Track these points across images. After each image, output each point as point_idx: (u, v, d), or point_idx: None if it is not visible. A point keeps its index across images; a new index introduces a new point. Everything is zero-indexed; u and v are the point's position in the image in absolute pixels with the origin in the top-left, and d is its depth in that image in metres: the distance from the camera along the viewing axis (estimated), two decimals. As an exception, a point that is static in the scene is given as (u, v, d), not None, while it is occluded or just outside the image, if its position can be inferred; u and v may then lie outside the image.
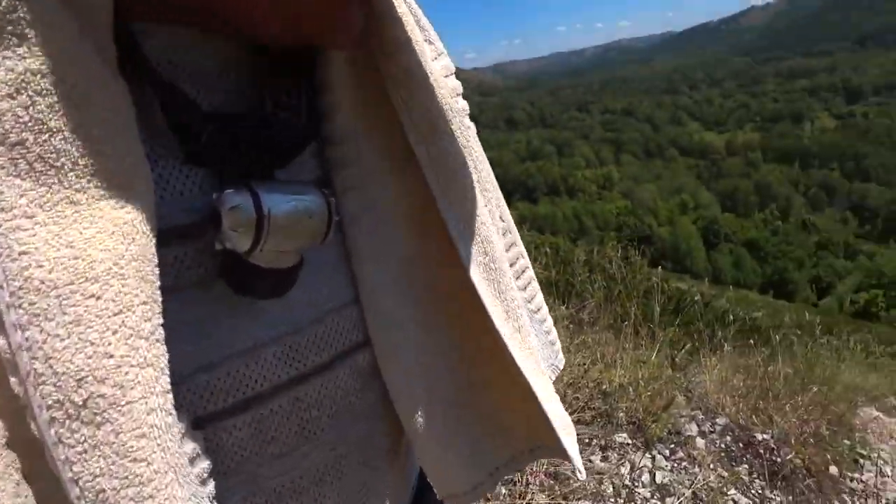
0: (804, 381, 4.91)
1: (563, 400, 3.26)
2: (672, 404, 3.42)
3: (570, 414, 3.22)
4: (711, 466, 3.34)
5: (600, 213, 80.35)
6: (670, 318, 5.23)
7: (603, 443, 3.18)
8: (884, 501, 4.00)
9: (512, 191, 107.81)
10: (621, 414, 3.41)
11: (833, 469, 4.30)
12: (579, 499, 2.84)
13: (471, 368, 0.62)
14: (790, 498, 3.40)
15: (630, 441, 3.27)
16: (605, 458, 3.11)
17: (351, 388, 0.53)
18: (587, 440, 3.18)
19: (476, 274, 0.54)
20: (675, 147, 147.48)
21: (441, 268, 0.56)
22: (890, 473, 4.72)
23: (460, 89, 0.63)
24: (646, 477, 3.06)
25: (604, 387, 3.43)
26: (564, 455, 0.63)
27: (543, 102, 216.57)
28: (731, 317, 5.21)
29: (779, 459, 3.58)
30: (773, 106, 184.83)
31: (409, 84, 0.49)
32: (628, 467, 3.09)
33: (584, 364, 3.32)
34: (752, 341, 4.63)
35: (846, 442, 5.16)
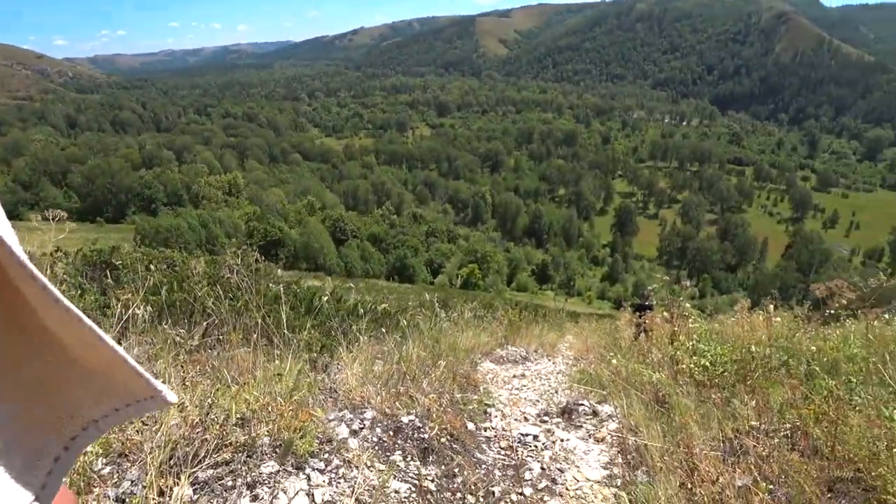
0: (434, 356, 5.30)
1: (190, 443, 2.67)
2: (309, 417, 3.14)
3: (204, 458, 2.66)
4: (368, 464, 3.21)
5: (229, 221, 77.09)
6: (304, 320, 5.02)
7: (249, 479, 2.72)
8: (511, 438, 4.55)
9: (126, 202, 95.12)
10: (265, 439, 3.00)
11: (470, 425, 4.71)
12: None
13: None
14: (443, 468, 3.51)
15: (280, 467, 2.88)
16: (255, 498, 2.65)
17: None
18: (230, 483, 2.67)
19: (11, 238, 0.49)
20: (299, 152, 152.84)
21: None
22: (510, 413, 5.48)
23: None
24: (304, 501, 2.72)
25: (239, 415, 2.95)
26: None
27: (156, 104, 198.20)
28: (362, 309, 5.27)
29: (426, 436, 3.67)
30: (381, 116, 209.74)
31: None
32: (284, 499, 2.70)
33: (210, 395, 2.78)
34: (384, 329, 4.74)
35: (475, 398, 5.80)
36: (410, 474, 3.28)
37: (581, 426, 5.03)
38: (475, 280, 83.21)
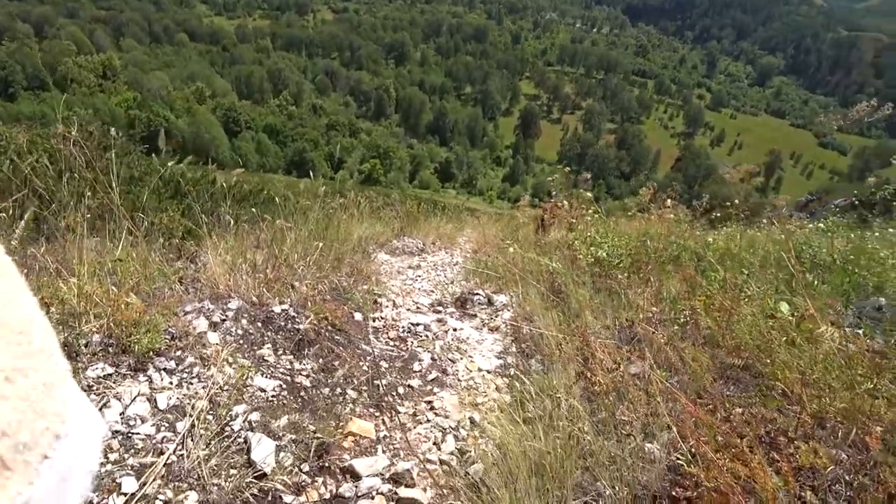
0: (317, 241, 4.82)
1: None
2: (142, 310, 2.59)
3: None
4: (230, 360, 2.77)
5: (105, 108, 69.06)
6: (168, 204, 4.33)
7: (68, 383, 2.19)
8: (400, 328, 4.26)
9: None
10: (95, 337, 2.45)
11: (358, 316, 4.36)
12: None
13: None
14: (321, 361, 3.15)
15: (113, 370, 2.37)
16: (76, 403, 2.14)
17: None
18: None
19: None
20: (184, 30, 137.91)
21: None
22: (402, 303, 5.19)
23: None
24: (143, 407, 2.26)
25: (52, 309, 2.37)
26: None
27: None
28: (228, 189, 4.61)
29: (301, 326, 3.26)
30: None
31: None
32: (117, 407, 2.22)
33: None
34: (253, 211, 4.14)
35: (364, 287, 5.45)
36: (281, 370, 2.89)
37: (475, 316, 4.84)
38: (377, 175, 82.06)
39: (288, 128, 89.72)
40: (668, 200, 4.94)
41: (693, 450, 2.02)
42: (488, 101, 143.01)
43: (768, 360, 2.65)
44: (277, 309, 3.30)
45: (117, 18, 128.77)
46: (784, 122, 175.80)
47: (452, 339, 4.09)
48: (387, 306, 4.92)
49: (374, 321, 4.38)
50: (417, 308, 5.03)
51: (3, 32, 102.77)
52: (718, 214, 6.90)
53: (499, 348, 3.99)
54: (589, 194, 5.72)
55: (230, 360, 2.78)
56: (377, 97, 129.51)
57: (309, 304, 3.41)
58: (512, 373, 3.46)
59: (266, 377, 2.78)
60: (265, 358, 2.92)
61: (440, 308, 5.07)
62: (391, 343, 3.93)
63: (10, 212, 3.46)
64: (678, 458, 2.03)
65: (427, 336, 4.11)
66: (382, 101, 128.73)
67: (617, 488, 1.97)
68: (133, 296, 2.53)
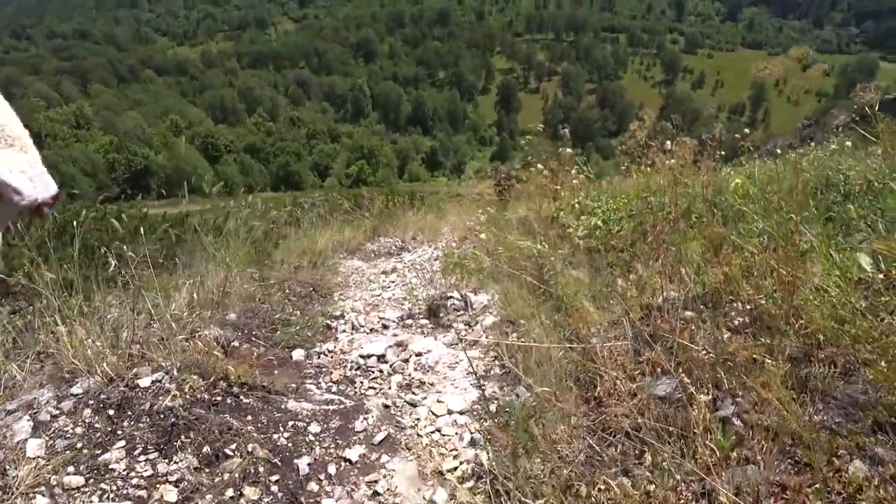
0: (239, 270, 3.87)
1: None
2: None
3: None
4: (53, 482, 1.82)
5: (84, 158, 67.82)
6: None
7: None
8: (348, 365, 3.28)
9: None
10: None
11: (298, 353, 3.38)
12: None
13: None
14: (205, 450, 2.16)
15: None
16: None
17: None
18: None
19: None
20: (150, 67, 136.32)
21: None
22: (363, 322, 4.21)
23: None
24: None
25: None
26: None
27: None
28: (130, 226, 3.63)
29: (176, 403, 2.29)
30: (237, 14, 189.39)
31: None
32: None
33: None
34: (130, 256, 3.12)
35: (318, 308, 4.50)
36: (135, 481, 1.92)
37: (450, 327, 3.86)
38: (366, 176, 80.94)
39: (268, 144, 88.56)
40: (668, 142, 3.91)
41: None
42: (463, 82, 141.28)
43: (875, 361, 1.64)
44: (146, 381, 2.32)
45: (81, 66, 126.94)
46: (761, 52, 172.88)
47: (416, 369, 3.11)
48: (343, 330, 3.96)
49: (319, 356, 3.41)
50: (383, 325, 4.06)
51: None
52: (723, 153, 5.91)
53: (479, 371, 3.01)
54: (569, 150, 4.68)
55: (54, 481, 1.82)
56: (353, 98, 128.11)
57: (204, 362, 2.43)
58: (493, 408, 2.49)
59: (108, 499, 1.82)
60: (110, 466, 1.95)
61: (410, 321, 4.11)
62: (334, 389, 2.95)
63: None
64: None
65: (381, 371, 3.13)
66: (359, 101, 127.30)
67: None
68: None
